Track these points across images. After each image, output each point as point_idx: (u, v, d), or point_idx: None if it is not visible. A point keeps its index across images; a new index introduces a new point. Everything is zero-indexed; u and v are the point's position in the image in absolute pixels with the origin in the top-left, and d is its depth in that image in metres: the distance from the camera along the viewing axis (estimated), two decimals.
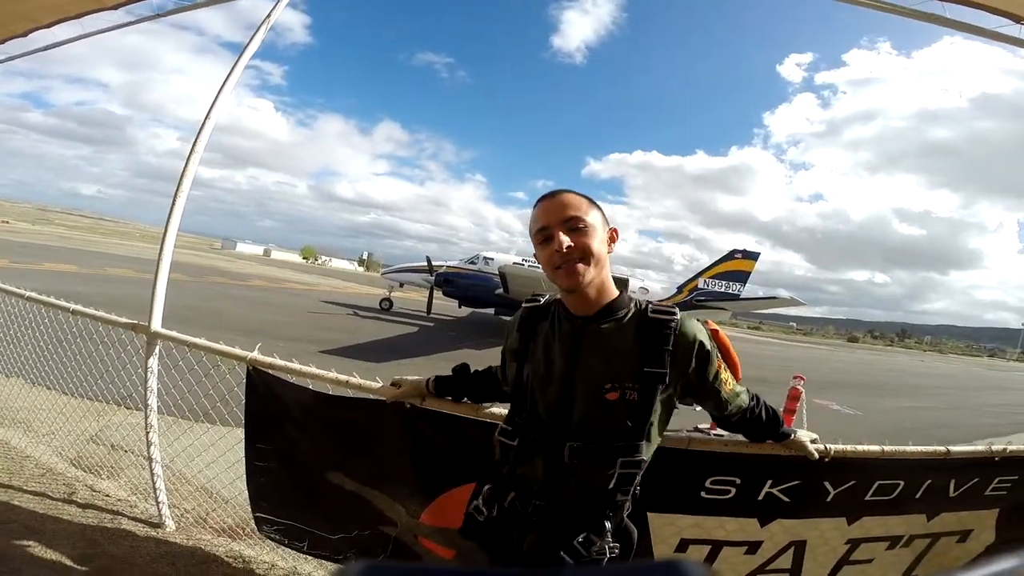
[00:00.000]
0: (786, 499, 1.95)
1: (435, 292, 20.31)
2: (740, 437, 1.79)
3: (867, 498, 1.99)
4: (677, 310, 1.41)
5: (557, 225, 1.36)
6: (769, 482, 1.91)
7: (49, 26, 3.47)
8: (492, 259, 21.02)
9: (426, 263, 20.95)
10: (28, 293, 3.43)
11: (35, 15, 3.36)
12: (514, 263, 20.13)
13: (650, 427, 1.38)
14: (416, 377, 2.04)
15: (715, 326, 1.52)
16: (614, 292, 1.44)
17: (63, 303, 3.18)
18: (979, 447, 2.07)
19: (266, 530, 2.55)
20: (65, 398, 3.96)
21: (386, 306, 21.92)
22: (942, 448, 2.00)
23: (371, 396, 2.17)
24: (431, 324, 19.31)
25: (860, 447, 1.93)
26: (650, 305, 1.42)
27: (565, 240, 1.34)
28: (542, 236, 1.40)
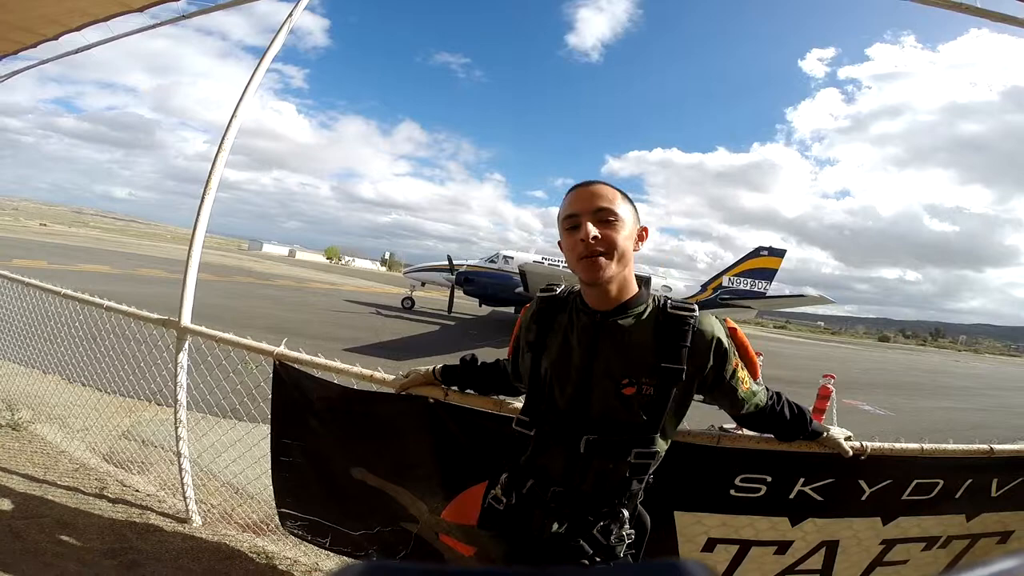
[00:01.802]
0: (819, 498, 1.90)
1: (456, 291, 20.44)
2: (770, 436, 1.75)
3: (904, 497, 1.94)
4: (696, 307, 1.40)
5: (586, 214, 1.34)
6: (801, 480, 1.87)
7: (79, 29, 3.57)
8: (512, 257, 21.11)
9: (447, 262, 21.09)
10: (64, 290, 3.52)
11: (64, 19, 3.46)
12: (534, 261, 20.13)
13: (664, 421, 1.39)
14: (424, 367, 2.05)
15: (733, 324, 1.48)
16: (635, 288, 1.43)
17: (96, 300, 3.26)
18: None
19: (289, 526, 2.57)
20: (99, 394, 4.07)
21: (408, 305, 22.14)
22: (985, 446, 1.93)
23: (388, 390, 2.17)
24: (452, 323, 19.44)
25: (898, 445, 1.87)
26: (669, 301, 1.41)
27: (592, 230, 1.31)
28: (569, 223, 1.37)
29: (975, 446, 1.93)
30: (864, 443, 1.81)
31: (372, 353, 9.91)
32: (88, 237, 52.72)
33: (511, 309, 21.46)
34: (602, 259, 1.32)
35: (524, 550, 1.46)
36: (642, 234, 1.43)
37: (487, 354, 1.97)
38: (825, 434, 1.72)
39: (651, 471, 1.43)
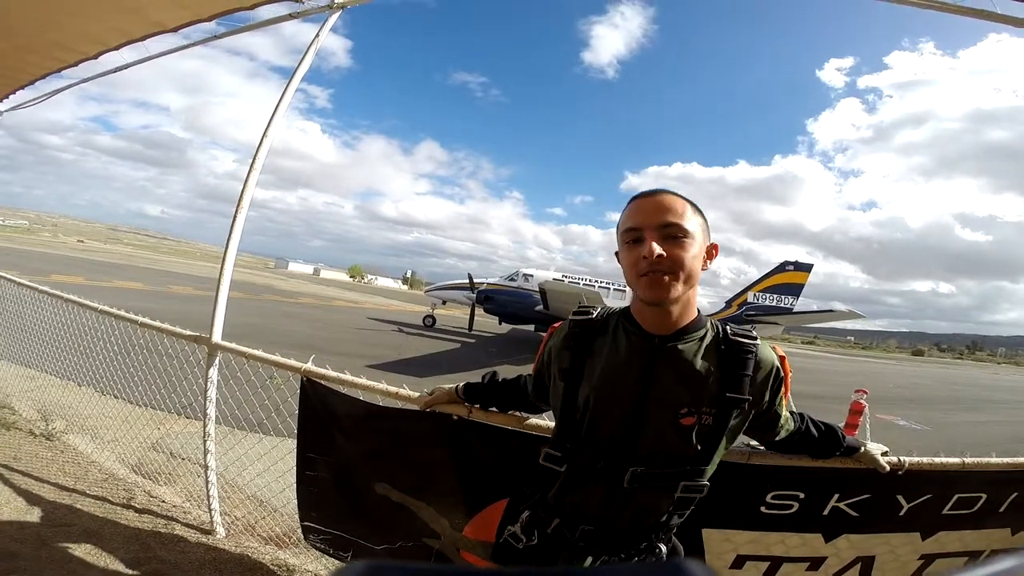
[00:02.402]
0: (855, 513, 1.85)
1: (476, 309, 20.50)
2: None
3: (945, 512, 1.87)
4: (757, 335, 1.32)
5: (652, 229, 1.21)
6: (836, 496, 1.82)
7: (117, 48, 3.73)
8: (532, 276, 21.11)
9: (467, 280, 21.21)
10: (101, 307, 3.66)
11: (104, 38, 3.63)
12: (554, 279, 20.10)
13: (716, 453, 1.30)
14: (448, 385, 2.03)
15: (783, 352, 1.39)
16: (695, 312, 1.31)
17: (131, 316, 3.37)
18: None
19: (312, 539, 2.57)
20: (130, 407, 4.17)
21: (429, 323, 22.31)
22: None
23: (412, 407, 2.18)
24: (472, 340, 19.51)
25: (937, 459, 1.81)
26: (730, 328, 1.32)
27: (656, 248, 1.18)
28: (631, 236, 1.24)
29: (1019, 459, 1.86)
30: (902, 458, 1.75)
31: (394, 370, 9.99)
32: (122, 254, 54.67)
33: (531, 327, 21.44)
34: (667, 277, 1.19)
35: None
36: (711, 252, 1.29)
37: (507, 372, 1.96)
38: (861, 450, 1.67)
39: (694, 505, 1.34)
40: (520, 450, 2.00)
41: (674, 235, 1.20)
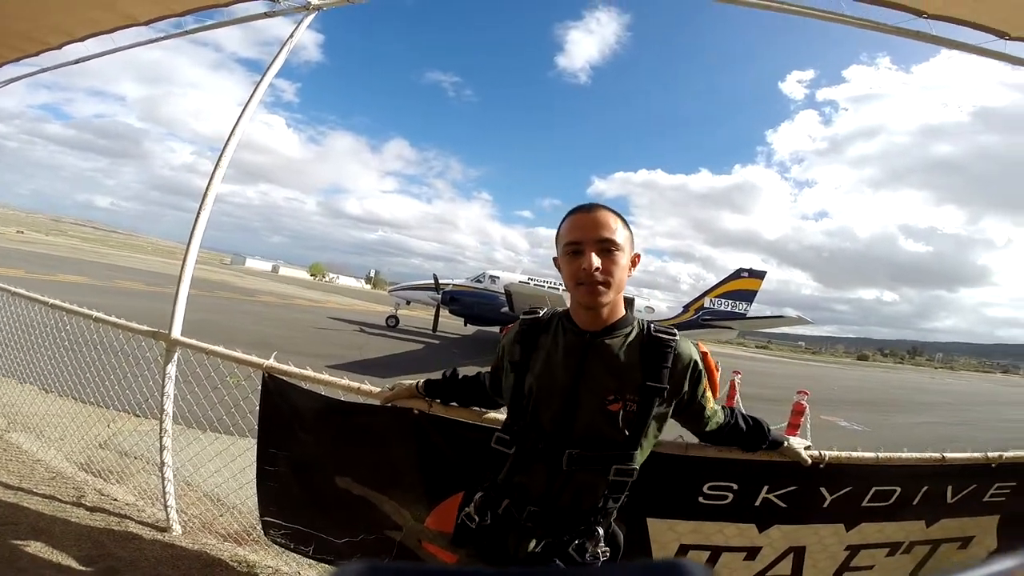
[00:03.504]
0: (783, 504, 1.98)
1: (441, 310, 20.41)
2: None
3: (864, 504, 2.02)
4: (677, 332, 1.50)
5: (590, 243, 1.40)
6: (766, 487, 1.95)
7: (82, 40, 3.61)
8: (498, 277, 21.19)
9: (433, 281, 21.10)
10: (52, 300, 3.53)
11: (71, 28, 3.51)
12: (519, 282, 20.25)
13: (643, 438, 1.44)
14: (409, 380, 2.13)
15: (705, 349, 1.58)
16: (622, 311, 1.50)
17: (85, 310, 3.28)
18: (975, 454, 2.07)
19: (273, 534, 2.58)
20: (77, 405, 4.03)
21: (392, 323, 22.04)
22: (937, 454, 2.01)
23: (374, 402, 2.24)
24: (437, 341, 19.40)
25: (855, 454, 1.96)
26: (652, 325, 1.50)
27: (596, 261, 1.38)
28: (572, 249, 1.43)
29: (927, 454, 2.01)
30: (822, 452, 1.90)
31: (356, 370, 9.83)
32: (66, 247, 51.65)
33: (496, 329, 21.46)
34: (601, 287, 1.39)
35: (501, 569, 1.49)
36: (635, 260, 1.50)
37: (472, 372, 2.04)
38: (785, 444, 1.82)
39: (627, 490, 1.48)
40: (479, 443, 2.05)
41: (608, 249, 1.40)
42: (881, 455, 1.98)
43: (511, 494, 1.49)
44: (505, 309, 18.79)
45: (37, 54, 3.92)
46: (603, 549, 1.44)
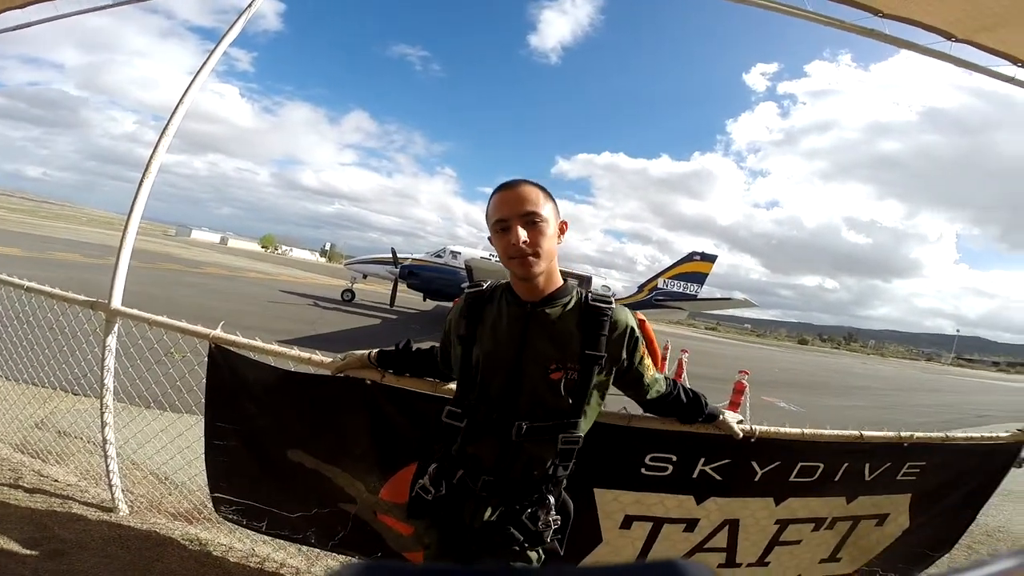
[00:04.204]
0: (719, 477, 2.08)
1: (399, 284, 20.16)
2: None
3: (791, 479, 2.14)
4: (613, 300, 1.57)
5: (515, 218, 1.45)
6: (702, 460, 2.05)
7: (22, 7, 3.34)
8: (459, 253, 21.02)
9: (391, 255, 20.75)
10: None
11: None
12: (481, 257, 20.20)
13: (586, 406, 1.51)
14: (361, 351, 2.12)
15: (642, 317, 1.65)
16: (559, 281, 1.56)
17: (16, 280, 3.10)
18: (889, 433, 2.22)
19: (224, 511, 2.55)
20: (8, 384, 3.81)
21: (348, 297, 21.61)
22: (855, 432, 2.15)
23: (325, 372, 2.21)
24: (394, 316, 19.17)
25: (783, 429, 2.08)
26: (589, 294, 1.56)
27: (522, 235, 1.43)
28: (500, 226, 1.48)
29: (847, 432, 2.14)
30: (753, 426, 2.01)
31: (309, 345, 9.43)
32: None
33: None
34: (531, 258, 1.44)
35: (457, 538, 1.55)
36: (563, 227, 1.55)
37: (428, 347, 2.02)
38: (720, 417, 1.92)
39: (573, 457, 1.53)
40: (432, 413, 2.05)
41: (533, 221, 1.45)
42: (807, 431, 2.10)
43: (465, 465, 1.54)
44: (466, 284, 18.70)
45: None
46: (554, 517, 1.50)
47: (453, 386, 2.05)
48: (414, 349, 2.04)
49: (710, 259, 24.70)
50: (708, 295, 24.98)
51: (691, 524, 2.16)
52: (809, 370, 30.78)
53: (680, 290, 24.21)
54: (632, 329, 1.57)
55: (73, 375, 3.67)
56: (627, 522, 2.14)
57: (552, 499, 1.52)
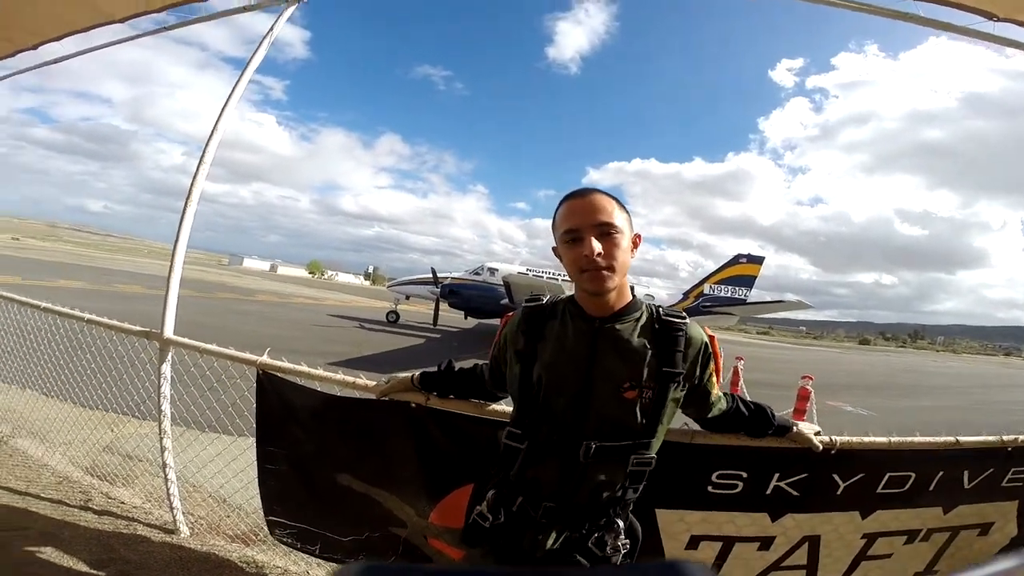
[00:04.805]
0: (795, 492, 1.93)
1: (441, 304, 20.42)
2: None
3: (879, 491, 1.97)
4: (686, 315, 1.47)
5: (588, 229, 1.35)
6: (776, 475, 1.90)
7: (58, 39, 3.57)
8: (496, 269, 21.17)
9: (431, 275, 21.08)
10: (44, 304, 3.53)
11: (45, 29, 3.48)
12: (518, 272, 20.23)
13: (659, 426, 1.42)
14: (404, 374, 2.09)
15: (711, 332, 1.54)
16: (629, 295, 1.47)
17: (77, 313, 3.27)
18: (990, 437, 2.02)
19: (279, 534, 2.56)
20: (79, 409, 4.02)
21: (393, 319, 22.09)
22: (951, 438, 1.96)
23: (370, 396, 2.20)
24: (437, 335, 19.40)
25: (866, 439, 1.91)
26: (662, 308, 1.47)
27: (596, 247, 1.33)
28: (570, 237, 1.38)
29: (941, 438, 1.97)
30: (833, 437, 1.85)
31: (356, 367, 9.67)
32: (62, 252, 51.52)
33: (497, 320, 21.34)
34: (604, 272, 1.34)
35: (516, 566, 1.46)
36: (636, 241, 1.45)
37: (469, 365, 1.98)
38: (794, 429, 1.78)
39: (645, 479, 1.45)
40: (478, 435, 2.04)
41: (608, 232, 1.35)
42: (894, 440, 1.94)
43: (524, 490, 1.45)
44: (505, 301, 18.78)
45: (13, 54, 3.87)
46: (623, 542, 1.41)
47: (497, 407, 1.99)
48: (456, 369, 1.98)
49: (757, 261, 23.84)
50: (757, 298, 24.06)
51: (766, 542, 2.02)
52: (874, 371, 29.12)
53: (728, 295, 23.42)
54: (706, 345, 1.48)
55: (135, 400, 3.83)
56: (694, 542, 2.02)
57: (621, 523, 1.43)
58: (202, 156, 2.91)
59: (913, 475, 1.97)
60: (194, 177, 2.89)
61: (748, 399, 1.73)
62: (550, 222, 1.50)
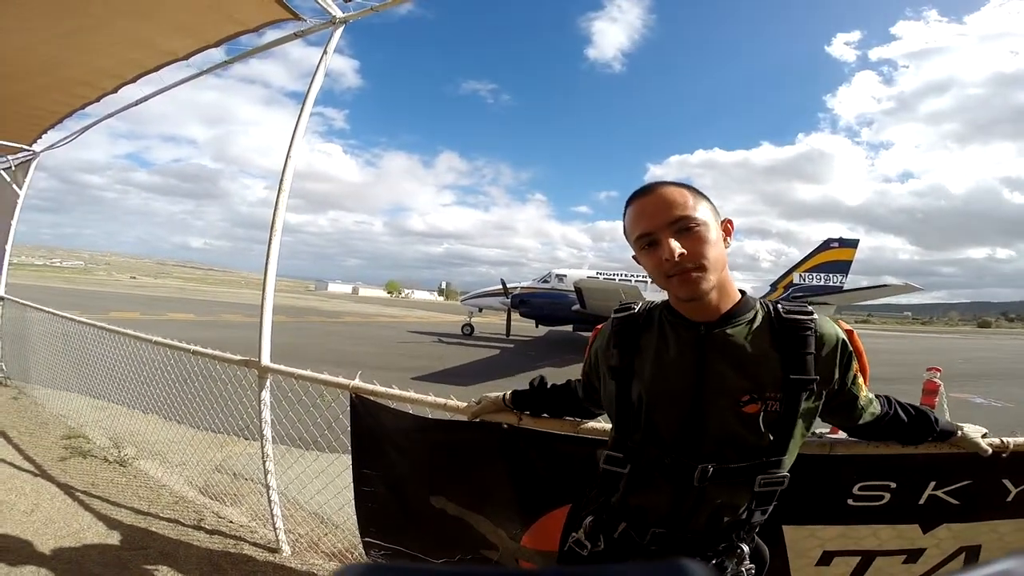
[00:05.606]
0: (955, 501, 1.71)
1: (512, 314, 20.53)
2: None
3: None
4: (812, 309, 1.24)
5: (663, 229, 1.16)
6: (932, 484, 1.69)
7: (133, 80, 3.90)
8: (564, 276, 21.03)
9: (501, 286, 21.29)
10: (155, 338, 3.84)
11: (119, 70, 3.79)
12: (588, 277, 19.91)
13: (791, 441, 1.21)
14: (495, 394, 1.99)
15: (848, 326, 1.30)
16: (736, 294, 1.26)
17: (184, 345, 3.52)
18: None
19: (374, 554, 2.58)
20: (192, 431, 4.33)
21: (468, 331, 22.54)
22: None
23: (461, 418, 2.16)
24: (511, 345, 19.56)
25: None
26: (781, 306, 1.25)
27: (677, 248, 1.14)
28: (645, 242, 1.20)
29: None
30: (1004, 439, 1.60)
31: (439, 380, 10.16)
32: (172, 287, 57.45)
33: (568, 328, 21.32)
34: (694, 274, 1.15)
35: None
36: (728, 228, 1.25)
37: (550, 373, 1.90)
38: (958, 433, 1.52)
39: (775, 499, 1.26)
40: (574, 455, 1.95)
41: (687, 227, 1.15)
42: None
43: (628, 517, 1.30)
44: (576, 307, 18.53)
45: (97, 99, 4.27)
46: (748, 567, 1.25)
47: (593, 424, 1.86)
48: (549, 386, 1.86)
49: (850, 244, 21.94)
50: (855, 284, 22.09)
51: (914, 555, 1.81)
52: (1001, 356, 25.81)
53: (821, 283, 21.70)
54: (844, 343, 1.24)
55: (243, 422, 4.05)
56: (826, 558, 1.84)
57: (746, 547, 1.25)
58: (280, 186, 3.02)
59: None
60: (275, 207, 3.01)
61: (905, 402, 1.48)
62: (613, 224, 1.33)
